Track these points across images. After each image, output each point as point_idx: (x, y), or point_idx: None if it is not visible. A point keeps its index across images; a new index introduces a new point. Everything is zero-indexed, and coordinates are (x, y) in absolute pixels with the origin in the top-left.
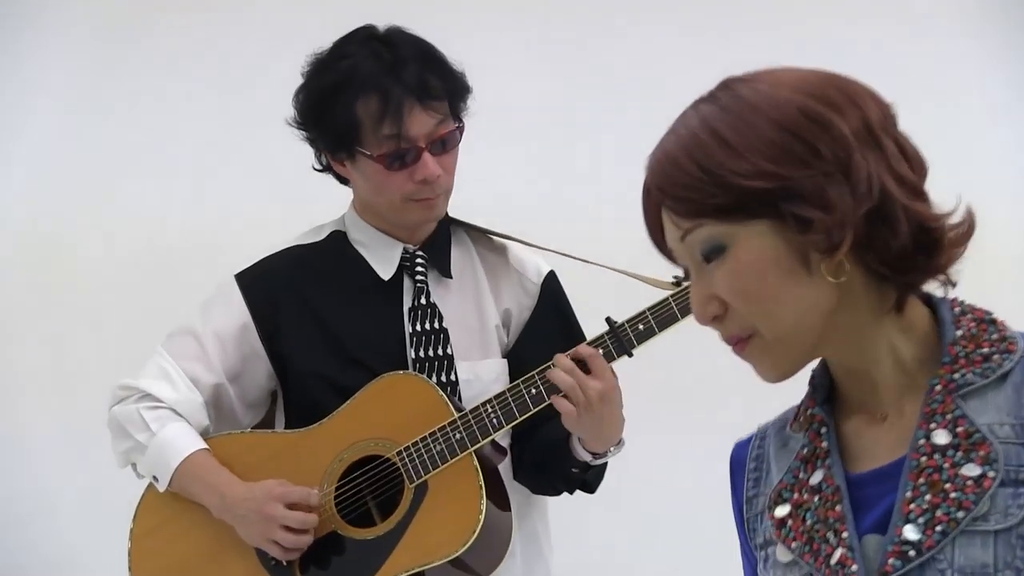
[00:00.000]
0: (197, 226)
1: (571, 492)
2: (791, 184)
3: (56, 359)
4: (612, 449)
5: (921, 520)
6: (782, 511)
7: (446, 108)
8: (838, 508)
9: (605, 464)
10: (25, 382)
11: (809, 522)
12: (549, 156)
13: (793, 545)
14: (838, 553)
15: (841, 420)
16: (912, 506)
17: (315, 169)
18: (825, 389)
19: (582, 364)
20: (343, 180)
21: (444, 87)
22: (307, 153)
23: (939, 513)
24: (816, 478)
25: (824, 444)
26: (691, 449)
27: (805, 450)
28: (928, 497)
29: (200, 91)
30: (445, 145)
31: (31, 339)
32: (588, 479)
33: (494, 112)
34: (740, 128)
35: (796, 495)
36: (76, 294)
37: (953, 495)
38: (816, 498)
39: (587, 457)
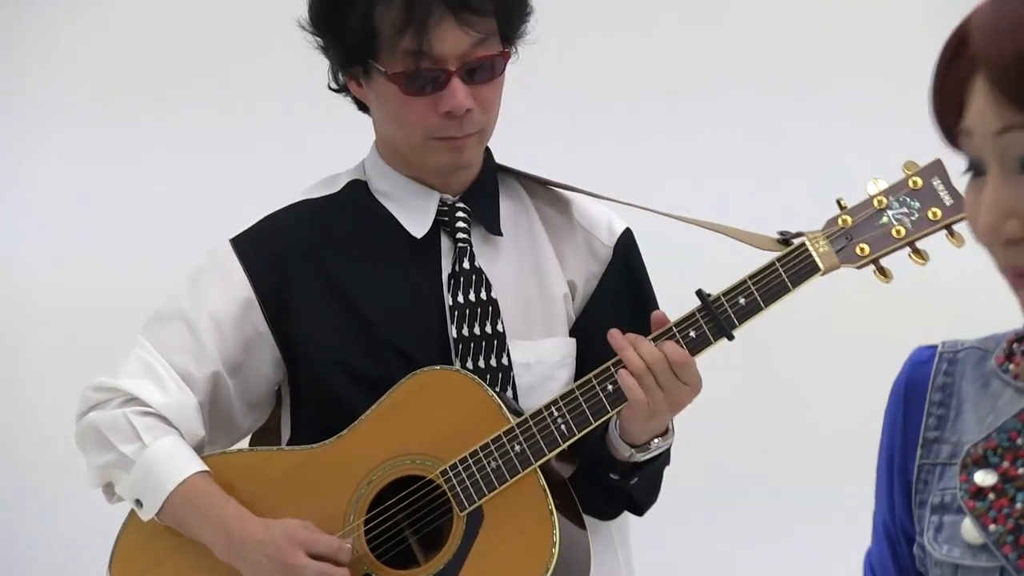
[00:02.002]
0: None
1: (612, 514)
2: None
3: None
4: (657, 441)
5: None
6: (985, 478)
7: (492, 26)
8: None
9: (656, 472)
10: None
11: (1020, 506)
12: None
13: (992, 528)
14: None
15: None
16: None
17: (331, 89)
18: None
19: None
20: (362, 106)
21: None
22: None
23: None
24: None
25: None
26: None
27: None
28: None
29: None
30: (479, 73)
31: None
32: (633, 492)
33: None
34: None
35: (1007, 464)
36: None
37: None
38: None
39: (626, 452)
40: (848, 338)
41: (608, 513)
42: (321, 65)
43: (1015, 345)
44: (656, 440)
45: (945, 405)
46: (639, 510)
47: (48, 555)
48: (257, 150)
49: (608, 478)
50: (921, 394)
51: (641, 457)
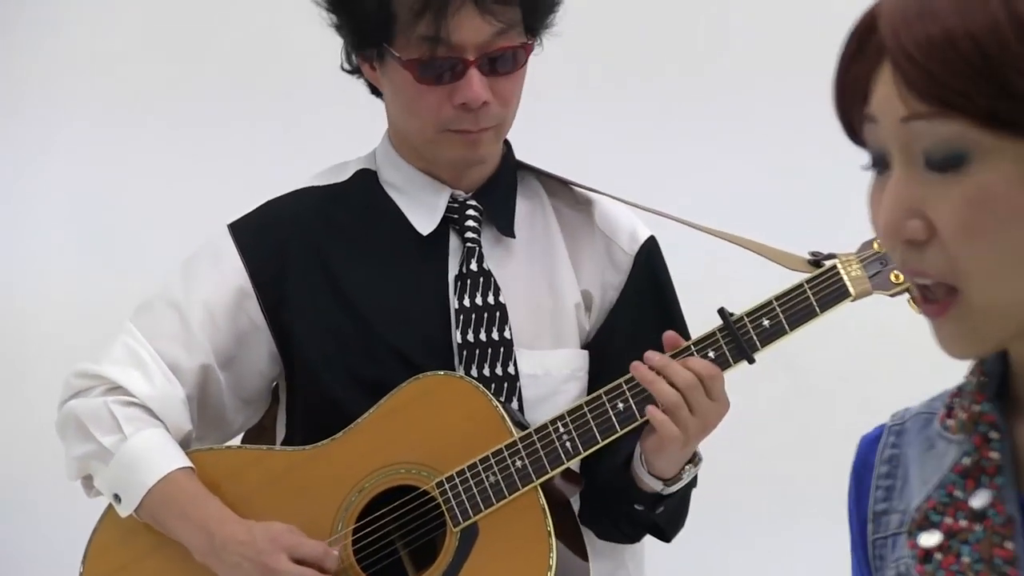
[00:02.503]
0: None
1: (634, 539)
2: None
3: None
4: (688, 468)
5: None
6: (929, 540)
7: (515, 16)
8: (1009, 545)
9: (682, 502)
10: None
11: (967, 559)
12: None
13: None
14: None
15: (1016, 424)
16: None
17: (343, 69)
18: (996, 382)
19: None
20: (375, 91)
21: None
22: None
23: None
24: (980, 500)
25: (994, 455)
26: None
27: (966, 460)
28: None
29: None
30: (500, 64)
31: None
32: (659, 520)
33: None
34: None
35: (950, 520)
36: None
37: None
38: (979, 527)
39: (656, 486)
40: (880, 345)
41: (632, 539)
42: (326, 53)
43: (955, 400)
44: (687, 467)
45: (892, 476)
46: (666, 537)
47: (19, 549)
48: (261, 145)
49: (632, 509)
50: (868, 469)
51: (671, 490)
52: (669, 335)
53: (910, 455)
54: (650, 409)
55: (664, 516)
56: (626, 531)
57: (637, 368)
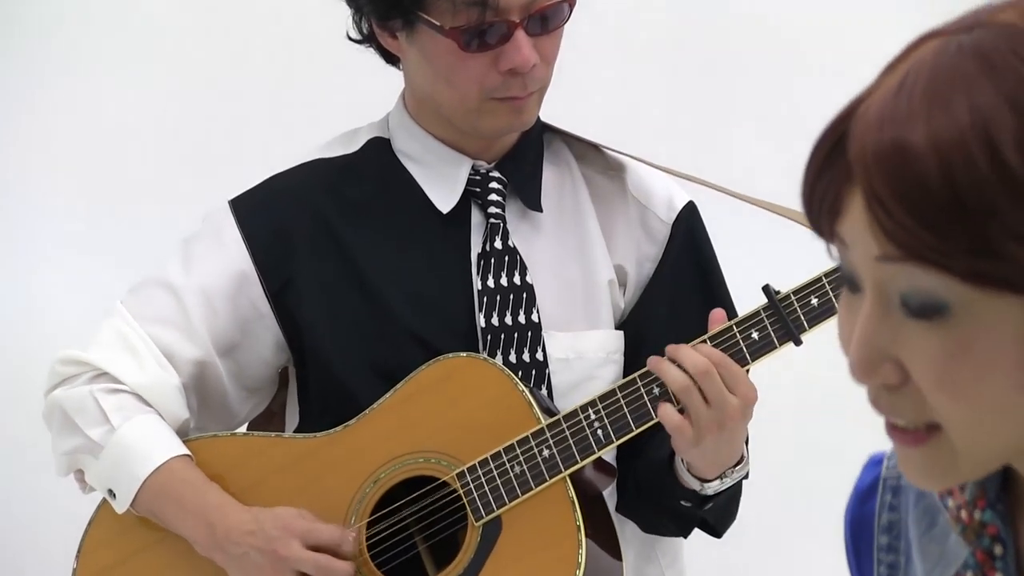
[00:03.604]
0: None
1: (685, 534)
2: None
3: None
4: (731, 472)
5: None
6: None
7: None
8: None
9: (733, 495)
10: None
11: None
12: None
13: None
14: None
15: (1020, 526)
16: None
17: (349, 39)
18: (997, 482)
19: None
20: (391, 59)
21: None
22: None
23: None
24: None
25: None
26: None
27: (969, 573)
28: None
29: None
30: (548, 22)
31: None
32: (708, 517)
33: None
34: None
35: None
36: None
37: None
38: None
39: (695, 485)
40: None
41: (680, 534)
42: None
43: (954, 500)
44: (729, 471)
45: (894, 550)
46: (716, 533)
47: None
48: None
49: (679, 505)
50: (868, 539)
51: (712, 490)
52: (716, 313)
53: (911, 527)
54: (662, 406)
55: (713, 513)
56: (671, 526)
57: (651, 360)
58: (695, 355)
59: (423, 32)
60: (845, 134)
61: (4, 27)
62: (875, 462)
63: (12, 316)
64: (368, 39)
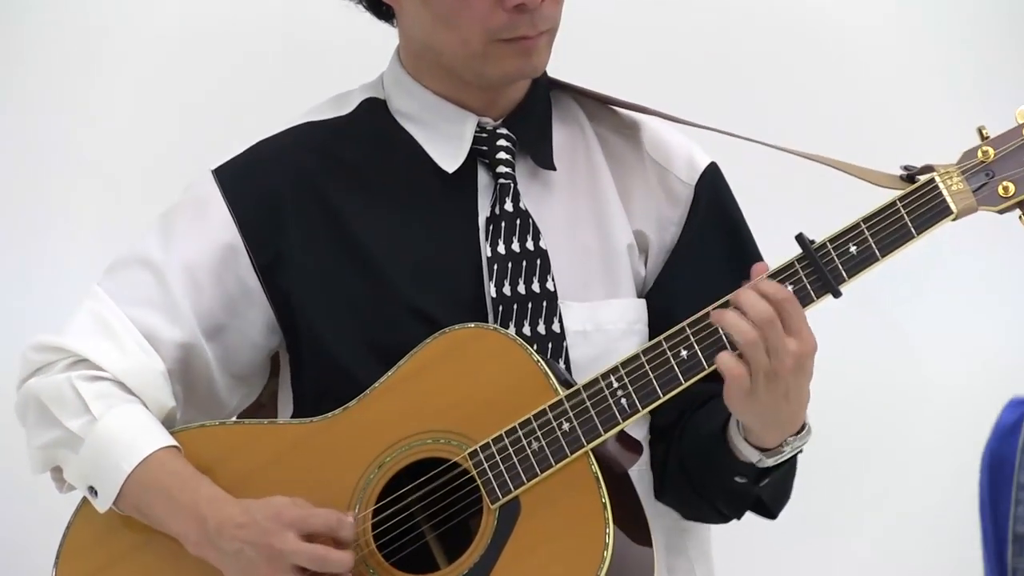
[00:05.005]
0: None
1: (738, 516)
2: None
3: None
4: (790, 440)
5: None
6: None
7: None
8: None
9: (790, 469)
10: None
11: None
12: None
13: None
14: None
15: None
16: None
17: None
18: None
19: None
20: (383, 13)
21: None
22: None
23: None
24: None
25: None
26: None
27: None
28: None
29: None
30: None
31: None
32: (763, 494)
33: None
34: None
35: None
36: None
37: None
38: None
39: (753, 456)
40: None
41: (728, 518)
42: None
43: None
44: (791, 439)
45: None
46: (771, 513)
47: None
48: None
49: (733, 482)
50: (1008, 475)
51: (772, 462)
52: (760, 266)
53: None
54: (721, 356)
55: (768, 490)
56: (725, 509)
57: (739, 296)
58: (761, 303)
59: None
60: None
61: (5, 27)
62: (1017, 402)
63: (16, 319)
64: None
